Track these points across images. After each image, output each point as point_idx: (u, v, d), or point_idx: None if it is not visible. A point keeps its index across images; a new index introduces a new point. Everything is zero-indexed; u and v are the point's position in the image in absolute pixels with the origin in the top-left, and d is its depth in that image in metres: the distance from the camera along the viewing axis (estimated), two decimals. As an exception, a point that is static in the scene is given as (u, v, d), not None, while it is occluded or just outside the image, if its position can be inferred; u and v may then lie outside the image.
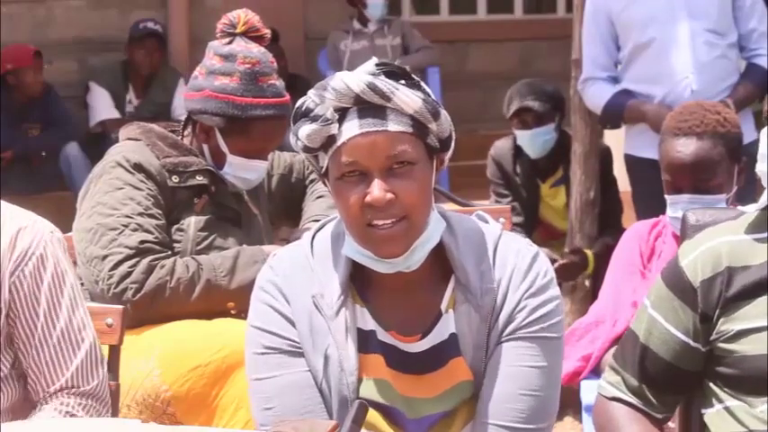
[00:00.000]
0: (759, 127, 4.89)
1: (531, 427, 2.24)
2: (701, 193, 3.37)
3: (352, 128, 2.17)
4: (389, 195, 2.15)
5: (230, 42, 3.27)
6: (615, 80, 4.83)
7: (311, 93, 2.22)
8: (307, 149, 2.23)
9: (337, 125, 2.18)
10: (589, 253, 5.11)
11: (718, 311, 2.31)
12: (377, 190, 2.15)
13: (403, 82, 2.20)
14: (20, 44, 7.80)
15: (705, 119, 3.40)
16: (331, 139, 2.19)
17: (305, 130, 2.19)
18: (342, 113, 2.18)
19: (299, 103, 2.24)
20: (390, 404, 2.26)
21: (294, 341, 2.27)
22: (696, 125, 3.39)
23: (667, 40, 4.63)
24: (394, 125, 2.17)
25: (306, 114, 2.20)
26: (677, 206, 3.39)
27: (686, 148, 3.37)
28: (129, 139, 3.33)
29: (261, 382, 2.29)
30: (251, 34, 3.30)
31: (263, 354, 2.29)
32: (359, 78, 2.17)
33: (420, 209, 2.19)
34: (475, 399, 2.27)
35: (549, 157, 5.37)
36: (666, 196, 3.45)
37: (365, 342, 2.27)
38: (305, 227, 3.49)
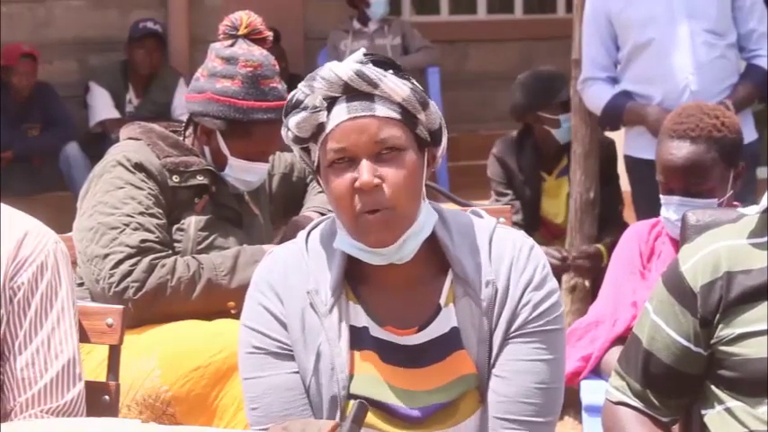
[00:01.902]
0: (759, 127, 4.90)
1: (546, 419, 2.27)
2: (692, 197, 3.37)
3: (341, 113, 2.19)
4: (377, 180, 2.17)
5: (232, 45, 3.27)
6: (615, 80, 4.83)
7: (301, 85, 2.24)
8: (297, 140, 2.25)
9: (326, 113, 2.20)
10: (601, 247, 5.11)
11: (718, 316, 2.31)
12: (365, 174, 2.17)
13: (391, 71, 2.22)
14: (18, 43, 7.80)
15: (701, 122, 3.40)
16: (320, 128, 2.21)
17: (294, 119, 2.22)
18: (331, 102, 2.21)
19: (289, 96, 2.26)
20: (383, 400, 2.26)
21: (283, 342, 2.28)
22: (691, 128, 3.39)
23: (666, 41, 4.63)
24: (382, 110, 2.19)
25: (296, 106, 2.23)
26: (669, 207, 3.40)
27: (679, 150, 3.38)
28: (130, 138, 3.34)
29: (248, 382, 2.31)
30: (253, 37, 3.30)
31: (251, 353, 2.30)
32: (347, 67, 2.20)
33: (407, 196, 2.20)
34: (478, 389, 2.27)
35: (558, 145, 5.37)
36: (660, 196, 3.46)
37: (357, 339, 2.28)
38: (304, 214, 3.49)
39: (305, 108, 2.21)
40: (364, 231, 2.20)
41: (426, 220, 2.25)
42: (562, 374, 2.31)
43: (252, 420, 2.30)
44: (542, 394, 2.26)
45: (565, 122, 5.31)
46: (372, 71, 2.20)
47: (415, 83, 2.25)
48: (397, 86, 2.20)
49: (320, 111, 2.20)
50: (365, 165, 2.17)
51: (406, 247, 2.23)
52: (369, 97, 2.20)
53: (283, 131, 2.28)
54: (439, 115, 2.27)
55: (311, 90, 2.21)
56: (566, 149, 5.33)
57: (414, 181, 2.21)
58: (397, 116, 2.20)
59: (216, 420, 2.97)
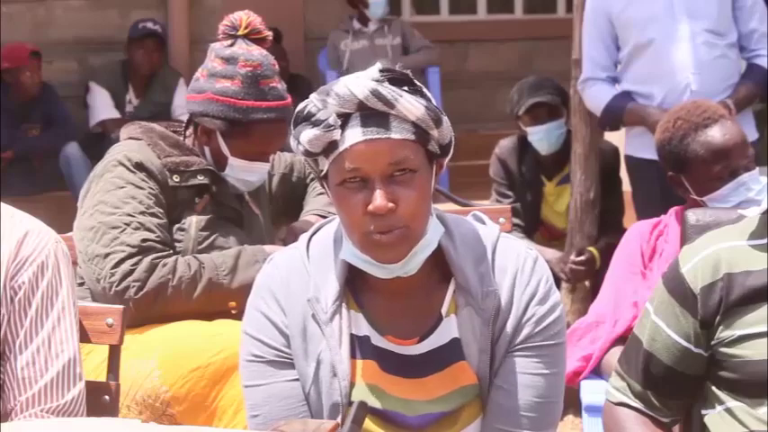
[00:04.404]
0: (759, 127, 4.90)
1: None
2: (749, 171, 3.46)
3: (355, 134, 2.16)
4: (391, 204, 2.15)
5: (232, 45, 3.27)
6: (615, 80, 4.83)
7: (313, 97, 2.21)
8: (308, 154, 2.22)
9: (339, 131, 2.17)
10: (593, 250, 5.11)
11: (718, 317, 2.32)
12: (379, 198, 2.14)
13: (406, 88, 2.19)
14: (18, 43, 7.79)
15: (711, 107, 3.53)
16: (332, 145, 2.18)
17: (307, 134, 2.19)
18: (344, 119, 2.17)
19: (300, 106, 2.22)
20: (384, 408, 2.26)
21: (282, 351, 2.27)
22: (713, 112, 3.50)
23: (667, 41, 4.63)
24: (397, 133, 2.16)
25: (307, 119, 2.19)
26: (741, 188, 3.42)
27: (727, 130, 3.46)
28: (131, 138, 3.34)
29: (248, 390, 2.31)
30: (253, 36, 3.30)
31: (251, 361, 2.30)
32: (363, 85, 2.16)
33: (420, 217, 2.19)
34: (479, 399, 2.27)
35: (556, 154, 5.36)
36: (728, 185, 3.45)
37: (359, 347, 2.27)
38: (304, 218, 3.50)
39: (317, 123, 2.17)
40: (375, 249, 2.18)
41: (434, 234, 2.24)
42: (561, 389, 2.31)
43: (252, 427, 2.30)
44: (541, 408, 2.25)
45: (534, 134, 5.30)
46: (389, 91, 2.16)
47: (431, 97, 2.22)
48: (412, 106, 2.17)
49: (334, 129, 2.16)
50: (379, 189, 2.15)
51: (413, 261, 2.21)
52: (383, 117, 2.16)
53: (293, 143, 2.24)
54: (450, 129, 2.25)
55: (324, 105, 2.18)
56: (566, 158, 5.31)
57: (425, 200, 2.20)
58: (411, 136, 2.17)
59: (215, 421, 2.97)
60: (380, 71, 2.19)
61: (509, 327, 2.24)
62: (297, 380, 2.27)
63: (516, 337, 2.25)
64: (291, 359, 2.27)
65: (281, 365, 2.27)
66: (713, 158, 3.46)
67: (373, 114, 2.16)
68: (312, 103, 2.20)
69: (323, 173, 2.23)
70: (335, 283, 2.25)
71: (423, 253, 2.22)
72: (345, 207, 2.18)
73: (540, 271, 2.28)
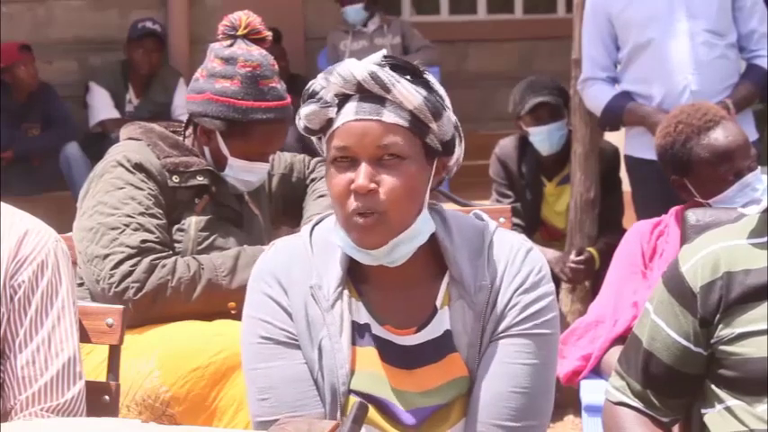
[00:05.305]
0: (759, 127, 4.90)
1: (522, 424, 2.24)
2: (752, 171, 3.47)
3: (349, 113, 2.20)
4: (372, 185, 2.18)
5: (231, 45, 3.27)
6: (615, 80, 4.83)
7: (320, 76, 2.26)
8: (307, 130, 2.27)
9: (336, 109, 2.22)
10: (593, 251, 5.11)
11: (718, 316, 2.32)
12: (361, 177, 2.17)
13: (408, 77, 2.22)
14: (7, 42, 7.77)
15: (712, 109, 3.52)
16: (329, 123, 2.23)
17: (305, 110, 2.24)
18: (344, 99, 2.22)
19: (308, 84, 2.27)
20: (383, 397, 2.26)
21: (291, 332, 2.28)
22: (714, 114, 3.50)
23: (666, 41, 4.63)
24: (390, 116, 2.19)
25: (312, 96, 2.24)
26: (746, 189, 3.43)
27: (729, 132, 3.47)
28: (130, 138, 3.34)
29: (257, 373, 2.30)
30: (252, 36, 3.30)
31: (259, 344, 2.29)
32: (363, 67, 2.21)
33: (401, 205, 2.20)
34: (470, 393, 2.27)
35: (557, 154, 5.36)
36: (734, 187, 3.46)
37: (360, 335, 2.28)
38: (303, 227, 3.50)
39: (318, 101, 2.22)
40: (355, 231, 2.20)
41: (423, 227, 2.25)
42: (546, 380, 2.27)
43: (259, 411, 2.29)
44: (519, 398, 2.23)
45: (536, 135, 5.29)
46: (387, 75, 2.20)
47: (436, 90, 2.24)
48: (409, 93, 2.20)
49: (330, 106, 2.21)
50: (363, 168, 2.18)
51: (398, 251, 2.23)
52: (380, 101, 2.20)
53: (297, 119, 2.29)
54: (453, 126, 2.26)
55: (327, 83, 2.23)
56: (567, 158, 5.31)
57: (411, 190, 2.21)
58: (405, 124, 2.20)
59: (215, 421, 2.97)
60: (384, 57, 2.24)
61: (494, 316, 2.25)
62: (306, 363, 2.27)
63: (499, 326, 2.25)
64: (298, 341, 2.27)
65: (291, 347, 2.27)
66: (717, 161, 3.46)
67: (371, 97, 2.20)
68: (317, 81, 2.25)
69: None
70: (338, 270, 2.27)
71: (408, 244, 2.23)
72: (333, 185, 2.21)
73: (532, 261, 2.28)
